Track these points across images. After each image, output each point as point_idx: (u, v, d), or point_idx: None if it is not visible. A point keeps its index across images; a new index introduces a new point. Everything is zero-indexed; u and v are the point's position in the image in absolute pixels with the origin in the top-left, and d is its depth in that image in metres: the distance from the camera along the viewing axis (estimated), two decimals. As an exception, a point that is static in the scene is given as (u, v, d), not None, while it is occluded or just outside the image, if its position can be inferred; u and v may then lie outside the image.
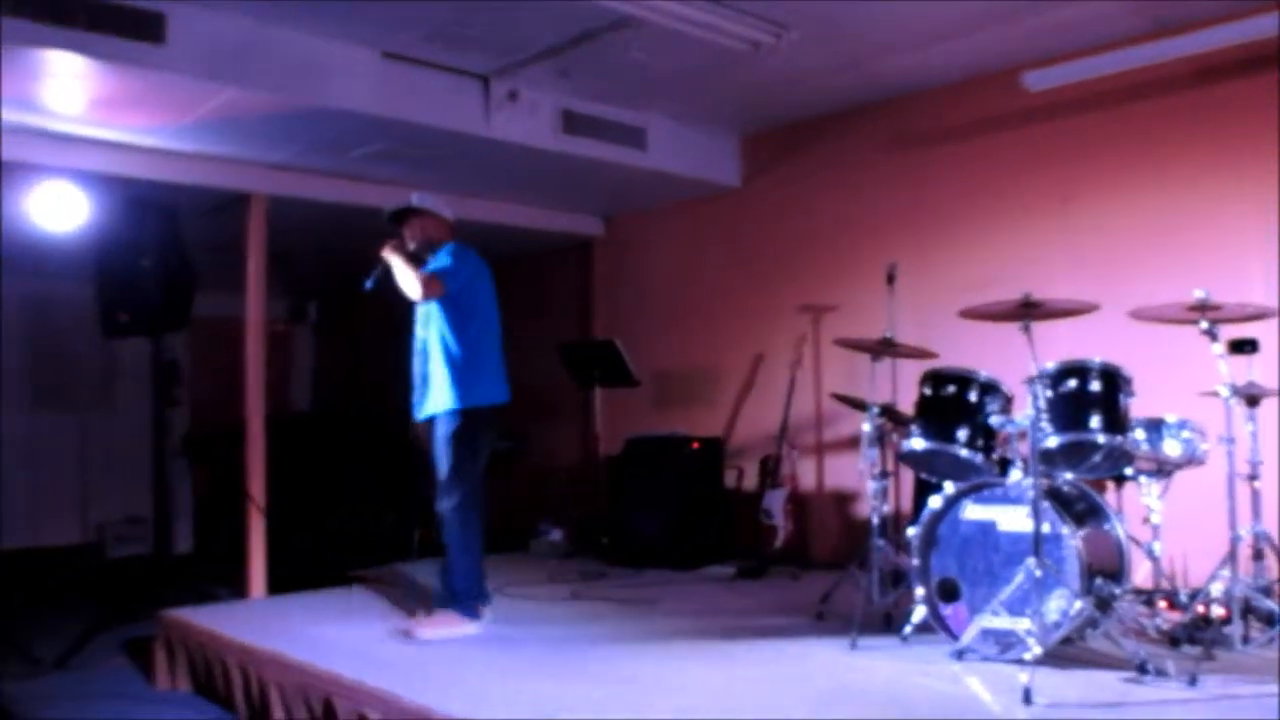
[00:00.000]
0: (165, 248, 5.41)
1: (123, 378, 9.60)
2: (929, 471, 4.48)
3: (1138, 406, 4.05)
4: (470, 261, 4.71)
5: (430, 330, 4.67)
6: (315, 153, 6.12)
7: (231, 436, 6.56)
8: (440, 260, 4.62)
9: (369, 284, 4.60)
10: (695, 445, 6.63)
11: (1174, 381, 4.38)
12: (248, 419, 6.29)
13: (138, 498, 9.04)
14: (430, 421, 4.68)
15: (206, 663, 4.45)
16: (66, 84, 4.87)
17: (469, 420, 4.53)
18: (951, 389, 4.20)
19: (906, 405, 4.86)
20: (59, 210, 5.40)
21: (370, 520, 8.83)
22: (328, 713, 3.68)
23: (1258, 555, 4.02)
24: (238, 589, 6.01)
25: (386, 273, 4.56)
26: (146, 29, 4.63)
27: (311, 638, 4.32)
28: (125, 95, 5.06)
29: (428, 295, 4.48)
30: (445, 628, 4.40)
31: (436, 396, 4.60)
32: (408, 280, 4.45)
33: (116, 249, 5.44)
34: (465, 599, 4.49)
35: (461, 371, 4.56)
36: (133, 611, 5.26)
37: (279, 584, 6.07)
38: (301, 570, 6.23)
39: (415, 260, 4.57)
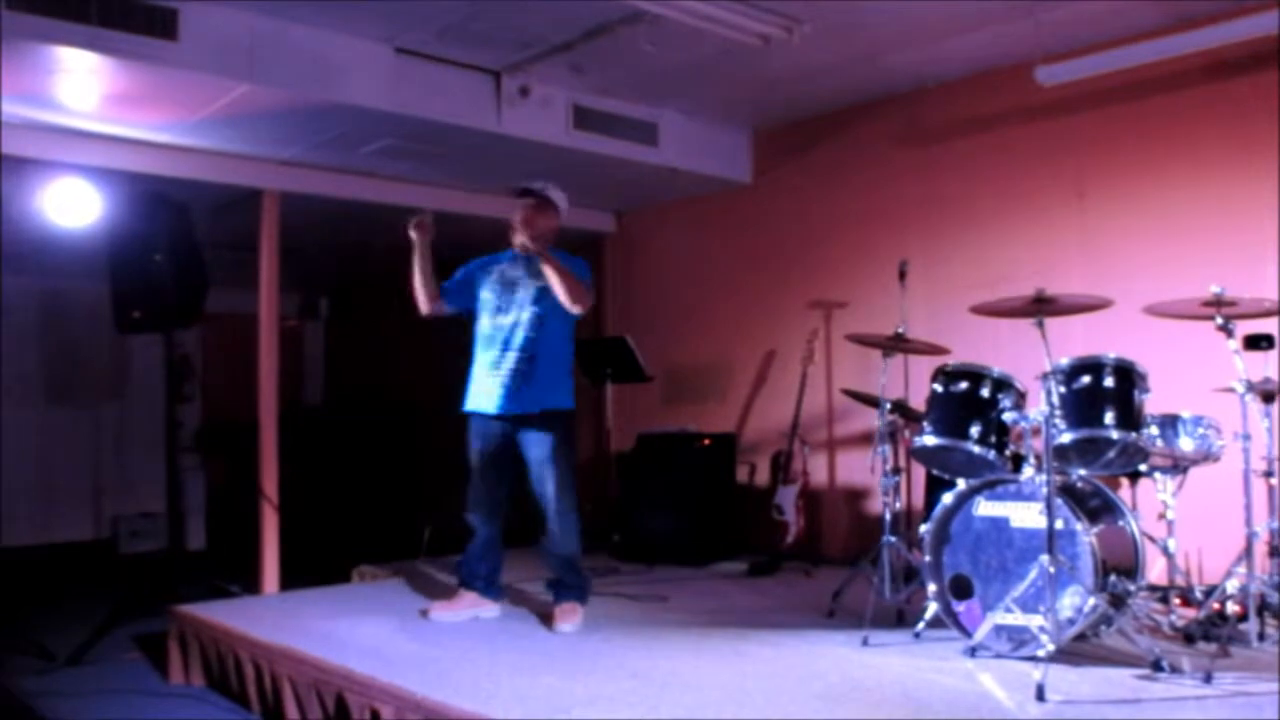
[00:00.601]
0: (178, 244, 5.42)
1: (135, 374, 9.66)
2: (941, 468, 4.46)
3: (1153, 403, 4.03)
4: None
5: (539, 330, 4.55)
6: (327, 149, 6.13)
7: (244, 432, 6.59)
8: (580, 271, 4.56)
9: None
10: (707, 441, 6.63)
11: (1189, 378, 4.35)
12: (260, 415, 6.31)
13: (151, 493, 9.10)
14: (505, 418, 4.58)
15: (220, 658, 4.46)
16: (78, 80, 4.89)
17: (571, 421, 4.65)
18: (964, 385, 4.18)
19: (918, 401, 4.84)
20: (72, 207, 5.42)
21: (382, 516, 8.85)
22: (340, 708, 3.69)
23: (1274, 552, 3.99)
24: (251, 584, 6.03)
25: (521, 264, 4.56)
26: (158, 25, 4.65)
27: (324, 633, 4.33)
28: (137, 91, 5.08)
29: (582, 308, 4.47)
30: (577, 617, 4.49)
31: (542, 396, 4.53)
32: (569, 287, 4.40)
33: (129, 245, 5.45)
34: (585, 590, 4.66)
35: (569, 375, 4.66)
36: (146, 607, 5.27)
37: (291, 579, 6.09)
38: (314, 565, 6.24)
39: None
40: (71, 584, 7.59)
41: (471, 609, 4.68)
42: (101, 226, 5.53)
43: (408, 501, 8.97)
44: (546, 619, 4.52)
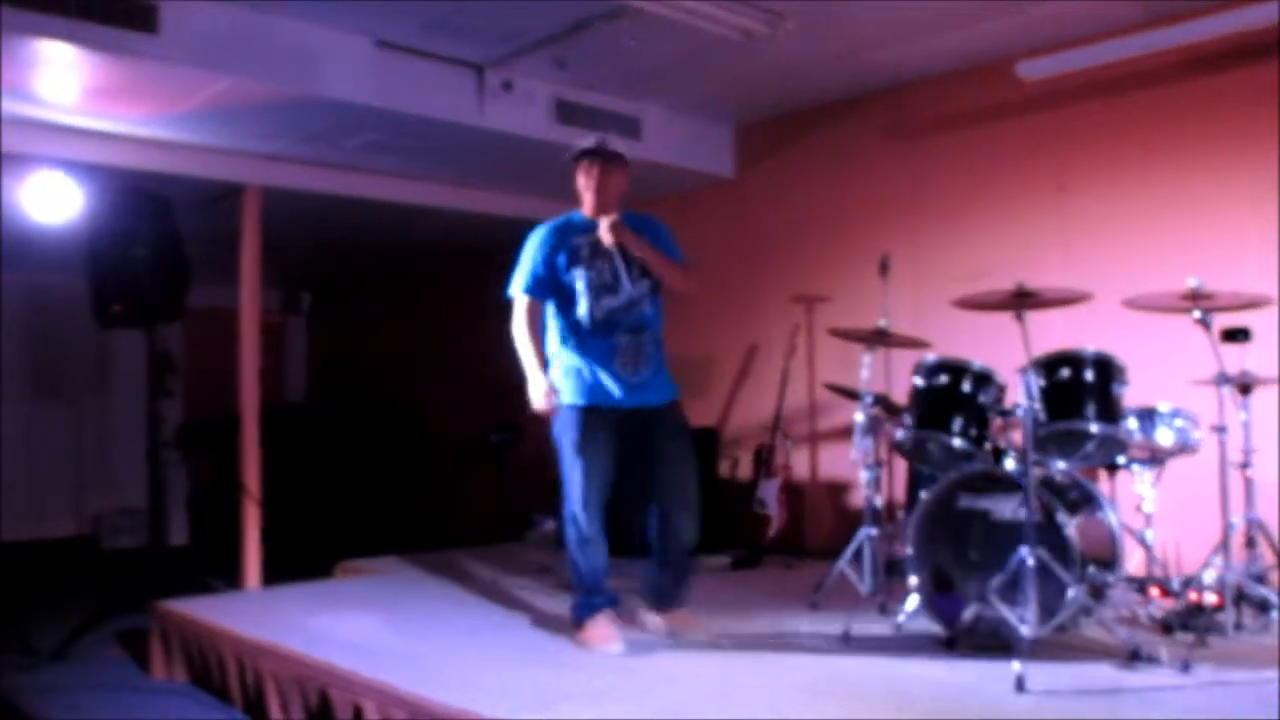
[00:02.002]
0: (159, 238, 5.40)
1: (117, 369, 9.61)
2: (922, 461, 4.49)
3: (1131, 395, 4.07)
4: None
5: (655, 307, 4.09)
6: (310, 143, 6.10)
7: (226, 427, 6.57)
8: (668, 240, 4.10)
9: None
10: (690, 435, 6.63)
11: (1167, 370, 4.39)
12: (242, 410, 6.29)
13: (133, 489, 9.03)
14: (633, 410, 4.03)
15: (203, 654, 4.45)
16: (58, 73, 4.85)
17: None
18: (945, 378, 4.20)
19: (900, 395, 4.87)
20: (52, 201, 5.39)
21: (365, 511, 8.84)
22: (323, 703, 3.69)
23: (1250, 543, 4.04)
24: (233, 580, 6.01)
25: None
26: (139, 18, 4.61)
27: (307, 628, 4.32)
28: (118, 85, 5.05)
29: (696, 288, 4.05)
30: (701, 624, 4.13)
31: (669, 383, 4.13)
32: (674, 270, 4.00)
33: (110, 240, 5.42)
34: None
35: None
36: (128, 603, 5.26)
37: (274, 575, 6.08)
38: (297, 561, 6.23)
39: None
40: (53, 580, 7.55)
41: (614, 635, 4.00)
42: (82, 221, 5.50)
43: (391, 497, 8.96)
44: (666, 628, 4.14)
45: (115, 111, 5.40)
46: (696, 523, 4.06)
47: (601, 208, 4.00)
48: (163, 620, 4.74)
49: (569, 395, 4.06)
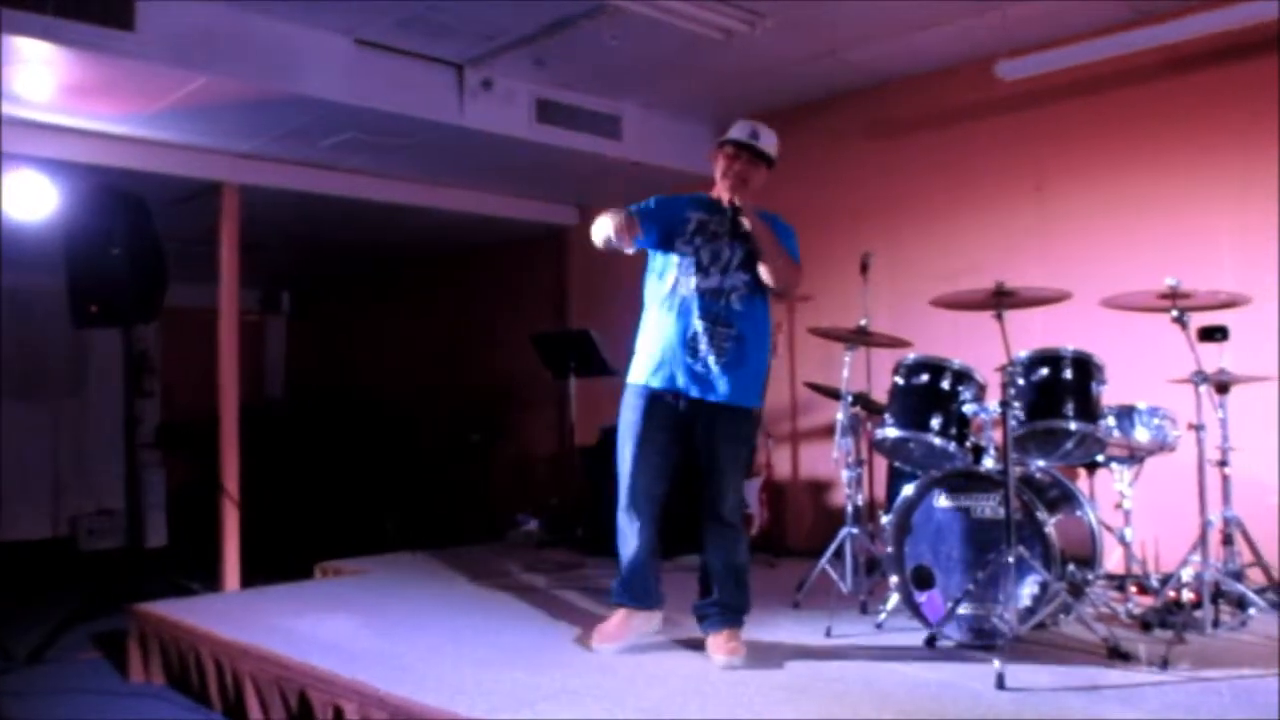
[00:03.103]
0: (136, 237, 5.35)
1: (94, 369, 9.53)
2: (903, 459, 4.50)
3: (1110, 394, 4.09)
4: None
5: (752, 306, 3.83)
6: (288, 141, 6.07)
7: (205, 428, 6.52)
8: (790, 241, 3.90)
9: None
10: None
11: (1146, 369, 4.41)
12: (221, 410, 6.26)
13: (110, 490, 8.98)
14: (693, 402, 3.82)
15: (181, 656, 4.42)
16: (33, 71, 4.80)
17: (756, 420, 4.05)
18: (925, 377, 4.21)
19: (880, 394, 4.87)
20: (27, 200, 5.33)
21: (345, 512, 8.80)
22: (303, 705, 3.67)
23: (1228, 540, 4.07)
24: (212, 582, 5.97)
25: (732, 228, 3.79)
26: (115, 15, 4.57)
27: (287, 630, 4.30)
28: (94, 82, 5.01)
29: (795, 292, 3.88)
30: (741, 648, 3.73)
31: (742, 387, 3.81)
32: (781, 265, 3.75)
33: (86, 239, 5.38)
34: (748, 610, 3.92)
35: (766, 367, 3.97)
36: (106, 605, 5.21)
37: (253, 576, 6.04)
38: (277, 562, 6.20)
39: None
40: (30, 582, 7.48)
41: (637, 629, 3.96)
42: (58, 220, 5.45)
43: (371, 497, 8.92)
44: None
45: (91, 109, 5.35)
46: (729, 537, 3.84)
47: (732, 191, 3.78)
48: (140, 622, 4.70)
49: (637, 372, 3.90)
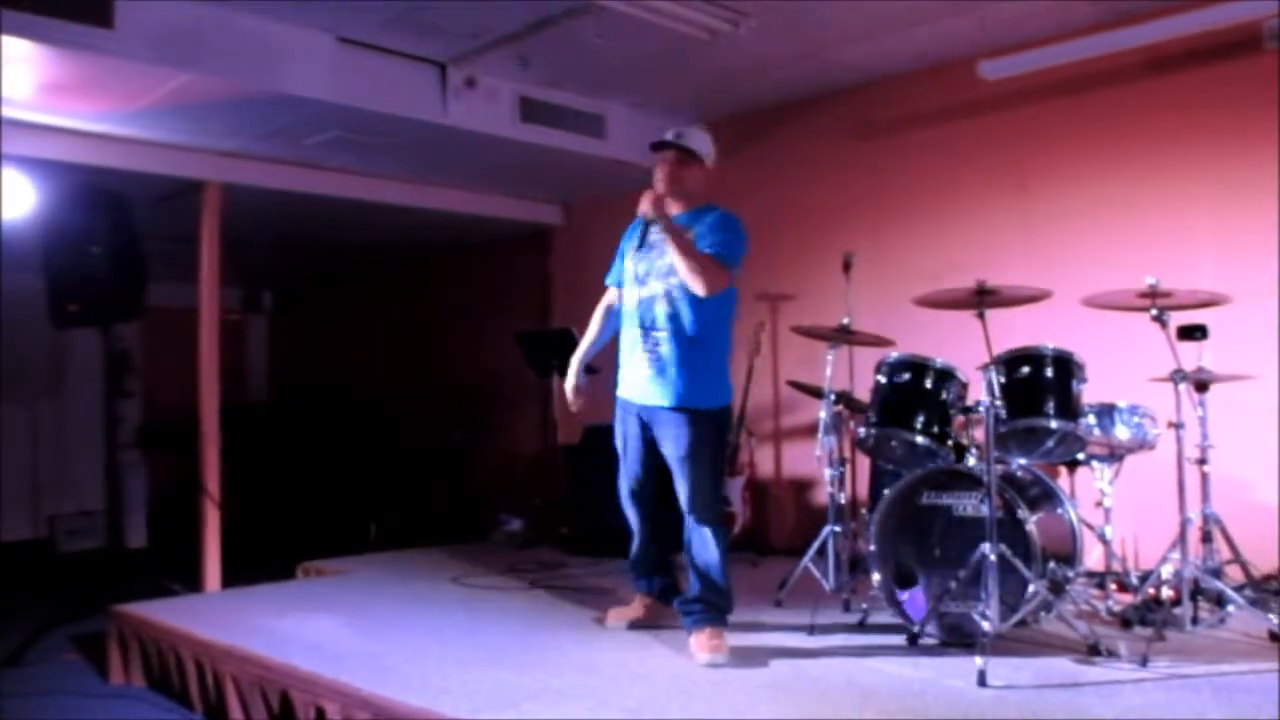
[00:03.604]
0: (116, 236, 5.31)
1: (73, 369, 9.46)
2: (885, 458, 4.52)
3: (1090, 392, 4.11)
4: (746, 238, 3.97)
5: (681, 306, 3.86)
6: (270, 140, 6.04)
7: (186, 428, 6.49)
8: (720, 239, 3.84)
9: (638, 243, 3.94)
10: (655, 434, 6.62)
11: (1126, 367, 4.44)
12: (202, 410, 6.22)
13: (90, 491, 8.92)
14: (645, 408, 3.97)
15: (161, 657, 4.39)
16: (12, 69, 4.76)
17: (720, 419, 3.94)
18: (907, 376, 4.23)
19: (863, 392, 4.88)
20: (6, 198, 5.29)
21: (327, 512, 8.77)
22: (285, 706, 3.65)
23: (1207, 538, 4.09)
24: (193, 582, 5.94)
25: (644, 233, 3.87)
26: (95, 12, 4.54)
27: (268, 630, 4.28)
28: (73, 80, 4.97)
29: (714, 290, 3.72)
30: (723, 642, 3.77)
31: (683, 389, 3.85)
32: (691, 268, 3.70)
33: (65, 238, 5.34)
34: (729, 608, 3.95)
35: (721, 364, 3.97)
36: (85, 607, 5.18)
37: (235, 577, 6.01)
38: (259, 563, 6.17)
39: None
40: (8, 584, 7.42)
41: (632, 611, 4.26)
42: (37, 219, 5.42)
43: (353, 497, 8.90)
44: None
45: (71, 107, 5.32)
46: (695, 535, 3.89)
47: (647, 199, 3.83)
48: (120, 623, 4.67)
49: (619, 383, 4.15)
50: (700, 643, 3.76)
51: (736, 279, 3.95)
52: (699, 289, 3.74)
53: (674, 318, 3.87)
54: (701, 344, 3.88)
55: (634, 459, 4.09)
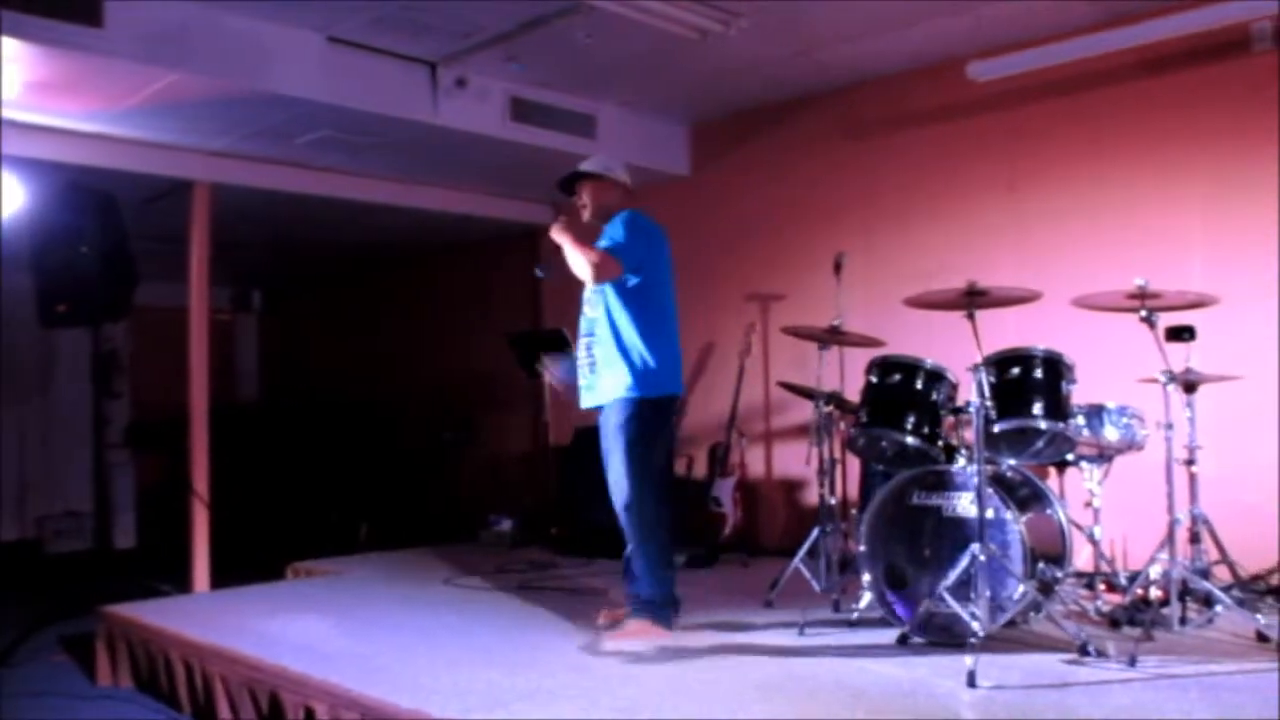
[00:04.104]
0: (105, 235, 5.30)
1: (62, 369, 9.42)
2: (876, 458, 4.52)
3: (1079, 393, 4.12)
4: (646, 231, 4.21)
5: (599, 309, 4.18)
6: (260, 139, 6.03)
7: (176, 428, 6.47)
8: (612, 233, 4.15)
9: (540, 272, 4.35)
10: (645, 434, 6.62)
11: (1115, 368, 4.45)
12: (191, 410, 6.20)
13: (77, 492, 8.88)
14: (597, 410, 4.22)
15: (149, 658, 4.38)
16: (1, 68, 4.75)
17: (644, 411, 4.05)
18: (898, 376, 4.23)
19: (854, 393, 4.89)
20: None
21: (317, 512, 8.75)
22: (274, 707, 3.64)
23: (1195, 538, 4.10)
24: (182, 583, 5.92)
25: (560, 255, 4.15)
26: (83, 11, 4.52)
27: (258, 631, 4.27)
28: (62, 79, 4.95)
29: (602, 278, 4.04)
30: (641, 637, 3.98)
31: (607, 384, 4.11)
32: (579, 262, 4.04)
33: (54, 237, 5.32)
34: (655, 605, 4.06)
35: (638, 357, 4.08)
36: (73, 608, 5.16)
37: (225, 577, 6.00)
38: (248, 563, 6.15)
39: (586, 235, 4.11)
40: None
41: (653, 636, 4.05)
42: (25, 218, 5.39)
43: (343, 498, 8.87)
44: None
45: (59, 106, 5.29)
46: (626, 528, 4.11)
47: (562, 220, 4.25)
48: (108, 625, 4.66)
49: None
50: (622, 628, 4.03)
51: (644, 273, 4.14)
52: (587, 279, 4.06)
53: (596, 321, 4.19)
54: (615, 342, 4.11)
55: (602, 458, 4.22)
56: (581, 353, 4.25)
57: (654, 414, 4.09)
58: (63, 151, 5.68)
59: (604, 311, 4.16)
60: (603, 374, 4.13)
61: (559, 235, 4.15)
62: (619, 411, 4.07)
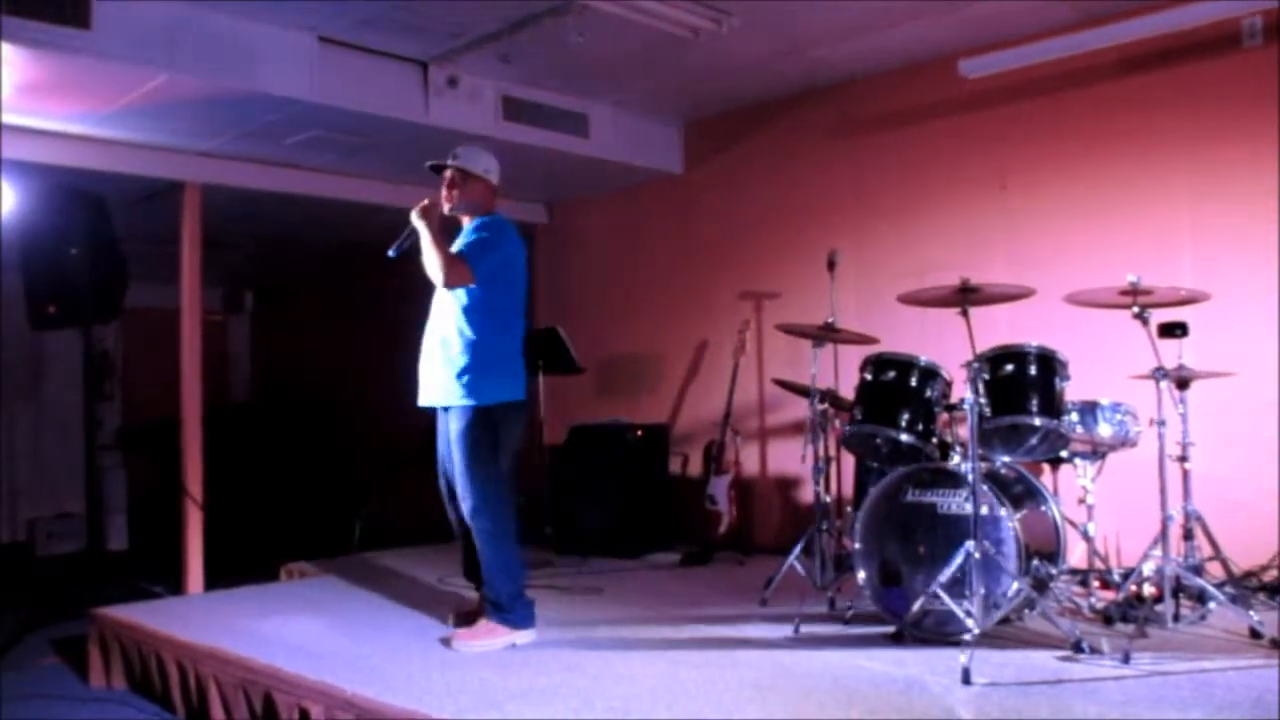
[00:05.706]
0: (94, 237, 5.29)
1: (53, 371, 9.39)
2: (870, 456, 4.52)
3: (1073, 389, 4.12)
4: (507, 238, 4.13)
5: (445, 309, 4.12)
6: (250, 140, 6.00)
7: (168, 429, 6.45)
8: (470, 239, 4.09)
9: (394, 251, 4.08)
10: (639, 433, 6.63)
11: (1108, 365, 4.46)
12: (183, 410, 6.18)
13: (69, 494, 8.86)
14: (434, 411, 4.22)
15: (143, 660, 4.36)
16: (-12, 69, 4.73)
17: (482, 418, 4.00)
18: (892, 374, 4.23)
19: (848, 390, 4.89)
20: (-6, 199, 5.26)
21: (311, 513, 8.73)
22: (268, 708, 3.63)
23: (1188, 535, 4.11)
24: (175, 585, 5.90)
25: (415, 240, 3.99)
26: (71, 12, 4.50)
27: (251, 632, 4.26)
28: (50, 81, 4.93)
29: (451, 283, 3.94)
30: (489, 638, 3.97)
31: (448, 387, 4.04)
32: (431, 260, 3.91)
33: (44, 239, 5.31)
34: (509, 607, 4.03)
35: (483, 363, 4.02)
36: (65, 610, 5.14)
37: (218, 578, 5.98)
38: (242, 564, 6.14)
39: (446, 233, 4.00)
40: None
41: (509, 638, 4.04)
42: (15, 220, 5.37)
43: (337, 497, 8.86)
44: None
45: (48, 108, 5.27)
46: (474, 530, 4.06)
47: (428, 204, 4.07)
48: (101, 626, 4.64)
49: None
50: (469, 630, 4.02)
51: (495, 286, 4.06)
52: (438, 281, 3.96)
53: (442, 320, 4.13)
54: (456, 342, 4.05)
55: (443, 457, 4.24)
56: (426, 343, 4.19)
57: (494, 421, 4.02)
58: (52, 153, 5.65)
59: (451, 312, 4.08)
60: (441, 373, 4.07)
61: (418, 221, 3.97)
62: (458, 419, 4.03)
